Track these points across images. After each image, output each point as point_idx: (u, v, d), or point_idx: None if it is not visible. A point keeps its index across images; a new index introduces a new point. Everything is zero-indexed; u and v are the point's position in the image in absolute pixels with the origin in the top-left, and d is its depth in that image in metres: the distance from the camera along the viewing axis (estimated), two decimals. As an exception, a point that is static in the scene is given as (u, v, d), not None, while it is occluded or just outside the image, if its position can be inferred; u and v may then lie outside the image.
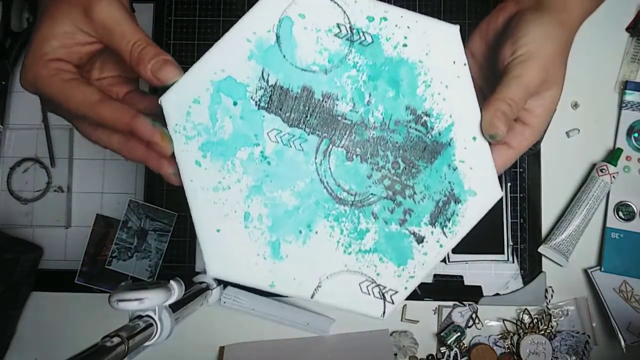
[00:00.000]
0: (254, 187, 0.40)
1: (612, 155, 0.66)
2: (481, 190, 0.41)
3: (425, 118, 0.40)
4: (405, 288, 0.41)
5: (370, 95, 0.40)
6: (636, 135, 0.67)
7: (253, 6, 0.39)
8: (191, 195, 0.40)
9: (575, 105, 0.69)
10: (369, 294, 0.41)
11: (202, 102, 0.39)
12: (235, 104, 0.39)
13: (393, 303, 0.41)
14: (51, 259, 0.70)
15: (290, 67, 0.39)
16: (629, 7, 0.69)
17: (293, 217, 0.40)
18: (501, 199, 0.66)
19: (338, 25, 0.39)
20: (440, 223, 0.41)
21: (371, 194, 0.41)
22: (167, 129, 0.39)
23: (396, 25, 0.39)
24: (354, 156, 0.40)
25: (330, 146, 0.40)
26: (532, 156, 0.68)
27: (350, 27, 0.39)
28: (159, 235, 0.68)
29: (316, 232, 0.41)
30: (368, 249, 0.41)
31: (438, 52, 0.40)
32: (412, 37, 0.40)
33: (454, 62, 0.40)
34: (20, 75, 0.40)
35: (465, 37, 0.45)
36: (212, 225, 0.40)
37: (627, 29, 0.69)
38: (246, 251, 0.40)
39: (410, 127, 0.40)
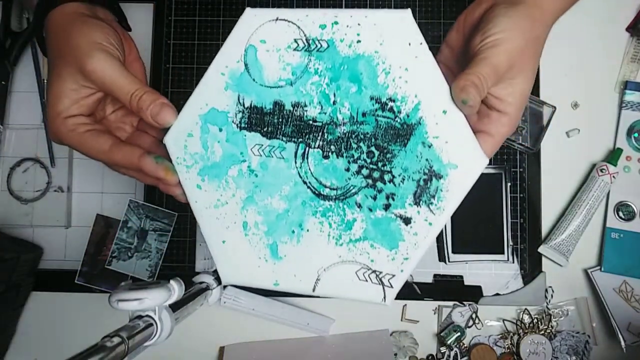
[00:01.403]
0: (247, 199, 0.44)
1: (612, 155, 0.66)
2: (463, 162, 0.42)
3: (390, 104, 0.42)
4: (402, 270, 0.43)
5: (334, 95, 0.43)
6: (636, 135, 0.67)
7: (222, 45, 0.44)
8: (198, 215, 0.45)
9: (575, 105, 0.69)
10: (367, 280, 0.43)
11: (195, 134, 0.45)
12: (220, 130, 0.44)
13: (392, 287, 0.43)
14: (51, 259, 0.70)
15: (260, 87, 0.44)
16: (629, 7, 0.69)
17: (284, 220, 0.44)
18: (501, 199, 0.66)
19: (295, 40, 0.43)
20: (425, 201, 0.42)
21: (352, 185, 0.43)
22: (169, 161, 0.45)
23: (347, 26, 0.42)
24: (330, 153, 0.43)
25: (307, 149, 0.44)
26: (532, 156, 0.68)
27: (306, 39, 0.43)
28: (159, 235, 0.68)
29: (307, 230, 0.44)
30: (358, 238, 0.43)
31: (392, 39, 0.42)
32: (364, 32, 0.42)
33: (410, 44, 0.42)
34: (47, 131, 0.46)
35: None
36: (218, 238, 0.45)
37: (627, 29, 0.69)
38: (249, 256, 0.44)
39: (377, 115, 0.43)
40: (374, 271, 0.43)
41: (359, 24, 0.42)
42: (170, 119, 0.44)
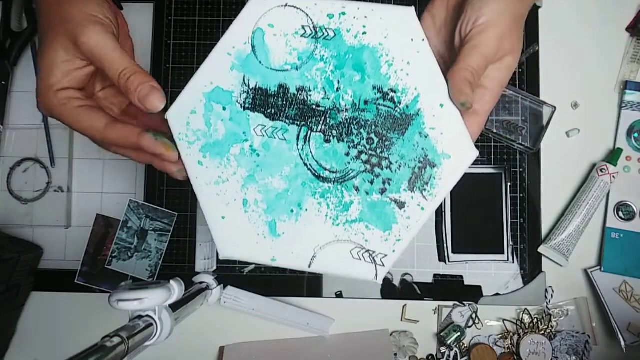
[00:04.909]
0: (248, 177, 0.46)
1: (612, 155, 0.66)
2: (455, 153, 0.44)
3: (392, 94, 0.44)
4: (394, 251, 0.45)
5: (339, 82, 0.45)
6: (636, 135, 0.67)
7: (231, 24, 0.45)
8: (198, 190, 0.46)
9: (575, 105, 0.69)
10: (360, 259, 0.45)
11: (198, 111, 0.46)
12: (224, 109, 0.45)
13: (384, 266, 0.45)
14: (51, 259, 0.70)
15: (266, 70, 0.45)
16: (629, 7, 0.69)
17: (284, 199, 0.46)
18: (501, 199, 0.66)
19: (303, 27, 0.45)
20: (419, 188, 0.44)
21: (351, 169, 0.45)
22: (167, 139, 0.45)
23: (354, 17, 0.44)
24: (331, 138, 0.45)
25: (309, 132, 0.45)
26: (532, 156, 0.68)
27: (314, 27, 0.45)
28: (159, 235, 0.68)
29: (306, 210, 0.45)
30: (354, 219, 0.45)
31: (396, 33, 0.44)
32: (370, 24, 0.44)
33: (412, 40, 0.44)
34: (37, 102, 0.44)
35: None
36: (217, 214, 0.46)
37: (627, 29, 0.69)
38: (248, 232, 0.46)
39: (379, 104, 0.45)
40: (368, 250, 0.45)
41: (365, 17, 0.44)
42: (159, 104, 0.44)
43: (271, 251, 0.46)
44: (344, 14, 0.44)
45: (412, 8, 0.44)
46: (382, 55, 0.44)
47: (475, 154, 0.44)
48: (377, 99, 0.44)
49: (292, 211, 0.46)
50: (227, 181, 0.46)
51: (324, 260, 0.45)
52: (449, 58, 0.49)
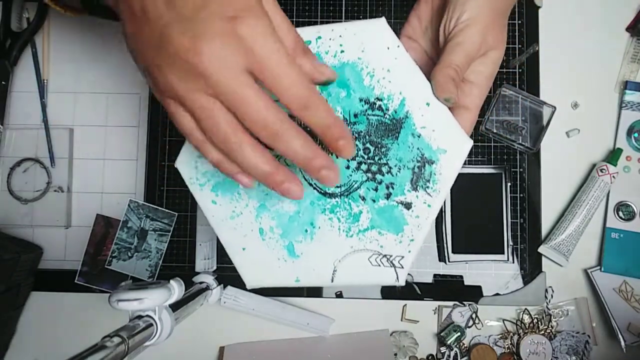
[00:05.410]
0: (260, 207, 0.47)
1: (612, 155, 0.66)
2: (450, 146, 0.46)
3: (378, 102, 0.46)
4: (409, 251, 0.46)
5: (327, 101, 0.46)
6: (636, 135, 0.67)
7: None
8: (216, 228, 0.48)
9: (575, 105, 0.69)
10: (379, 265, 0.46)
11: None
12: None
13: (403, 267, 0.46)
14: (51, 259, 0.70)
15: None
16: (629, 7, 0.69)
17: (297, 221, 0.47)
18: (501, 199, 0.66)
19: None
20: (422, 186, 0.46)
21: (354, 181, 0.47)
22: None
23: (330, 39, 0.46)
24: (329, 155, 0.46)
25: None
26: (532, 156, 0.68)
27: None
28: (159, 235, 0.68)
29: (319, 227, 0.47)
30: (366, 228, 0.47)
31: (371, 45, 0.46)
32: (346, 42, 0.46)
33: (388, 48, 0.46)
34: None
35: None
36: (238, 246, 0.47)
37: (627, 29, 0.69)
38: (269, 259, 0.47)
39: (368, 114, 0.46)
40: (385, 255, 0.46)
41: (340, 36, 0.46)
42: (332, 75, 0.41)
43: (293, 273, 0.47)
44: (319, 37, 0.46)
45: (383, 18, 0.46)
46: (363, 68, 0.46)
47: (469, 143, 0.45)
48: (366, 110, 0.46)
49: (306, 231, 0.47)
50: (241, 214, 0.47)
51: (345, 272, 0.47)
52: (436, 57, 0.50)
